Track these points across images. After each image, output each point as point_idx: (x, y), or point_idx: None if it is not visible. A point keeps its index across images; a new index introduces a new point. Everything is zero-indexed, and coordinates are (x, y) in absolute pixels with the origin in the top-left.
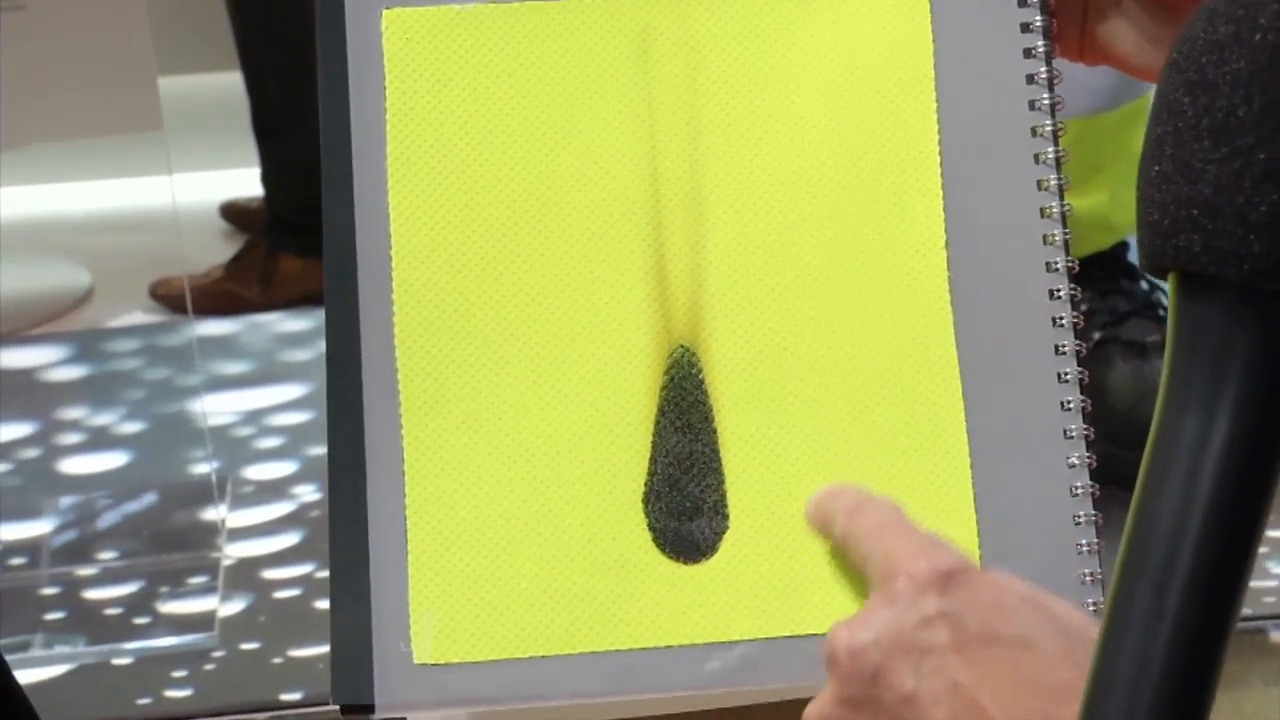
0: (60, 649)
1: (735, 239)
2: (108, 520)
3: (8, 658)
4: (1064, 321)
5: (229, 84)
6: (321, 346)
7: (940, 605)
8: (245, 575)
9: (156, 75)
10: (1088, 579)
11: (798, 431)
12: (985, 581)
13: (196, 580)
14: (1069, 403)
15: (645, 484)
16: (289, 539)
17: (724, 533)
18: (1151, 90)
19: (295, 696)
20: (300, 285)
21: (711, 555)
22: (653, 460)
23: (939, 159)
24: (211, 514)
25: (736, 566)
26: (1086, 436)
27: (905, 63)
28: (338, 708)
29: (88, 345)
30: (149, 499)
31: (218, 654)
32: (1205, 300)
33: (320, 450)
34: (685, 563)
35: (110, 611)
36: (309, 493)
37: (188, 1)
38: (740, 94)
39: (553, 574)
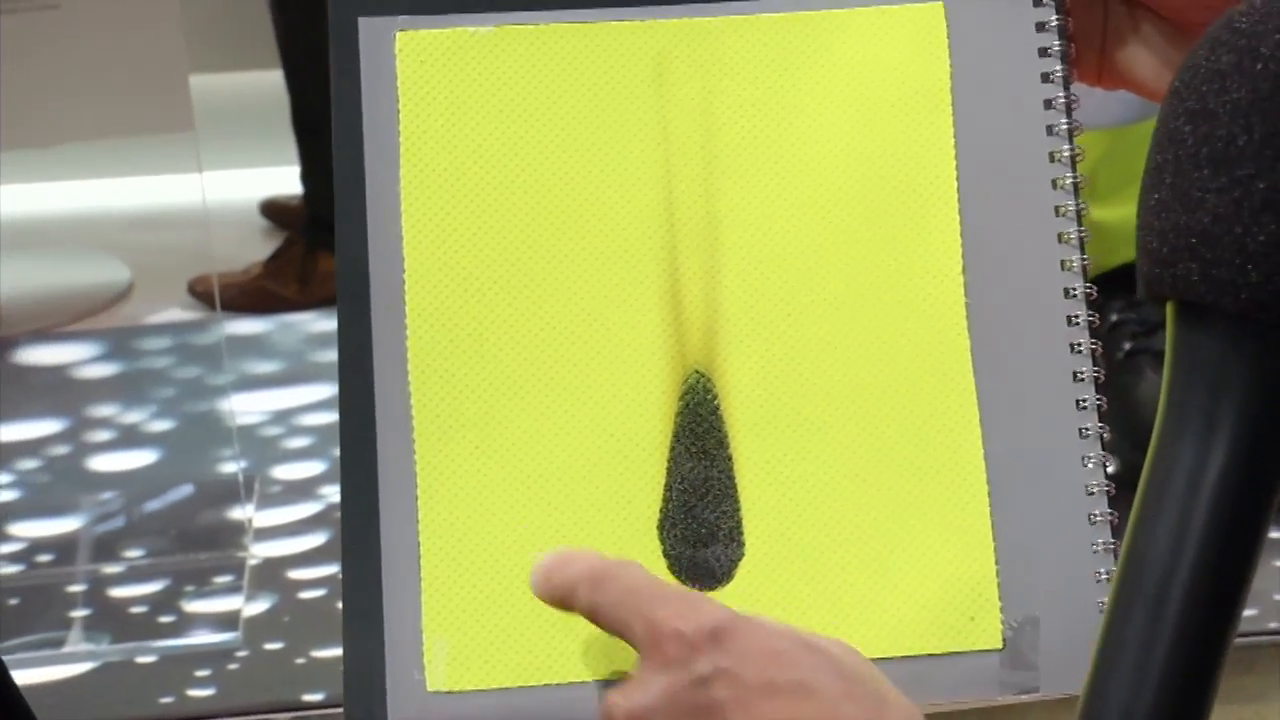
0: (85, 647)
1: (751, 264)
2: (135, 518)
3: (32, 654)
4: (1082, 347)
5: (264, 82)
6: None
7: (715, 662)
8: (270, 575)
9: (189, 74)
10: (1105, 606)
11: (813, 457)
12: (754, 631)
13: (222, 579)
14: (1087, 429)
15: (660, 510)
16: (315, 539)
17: (739, 559)
18: None
19: (318, 697)
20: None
21: (727, 582)
22: (667, 486)
23: (956, 184)
24: (238, 513)
25: (752, 593)
26: (1104, 464)
27: (922, 87)
28: None
29: (120, 342)
30: (176, 498)
31: (241, 654)
32: (1203, 329)
33: None
34: (700, 589)
35: (135, 610)
36: (336, 493)
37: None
38: (756, 118)
39: None
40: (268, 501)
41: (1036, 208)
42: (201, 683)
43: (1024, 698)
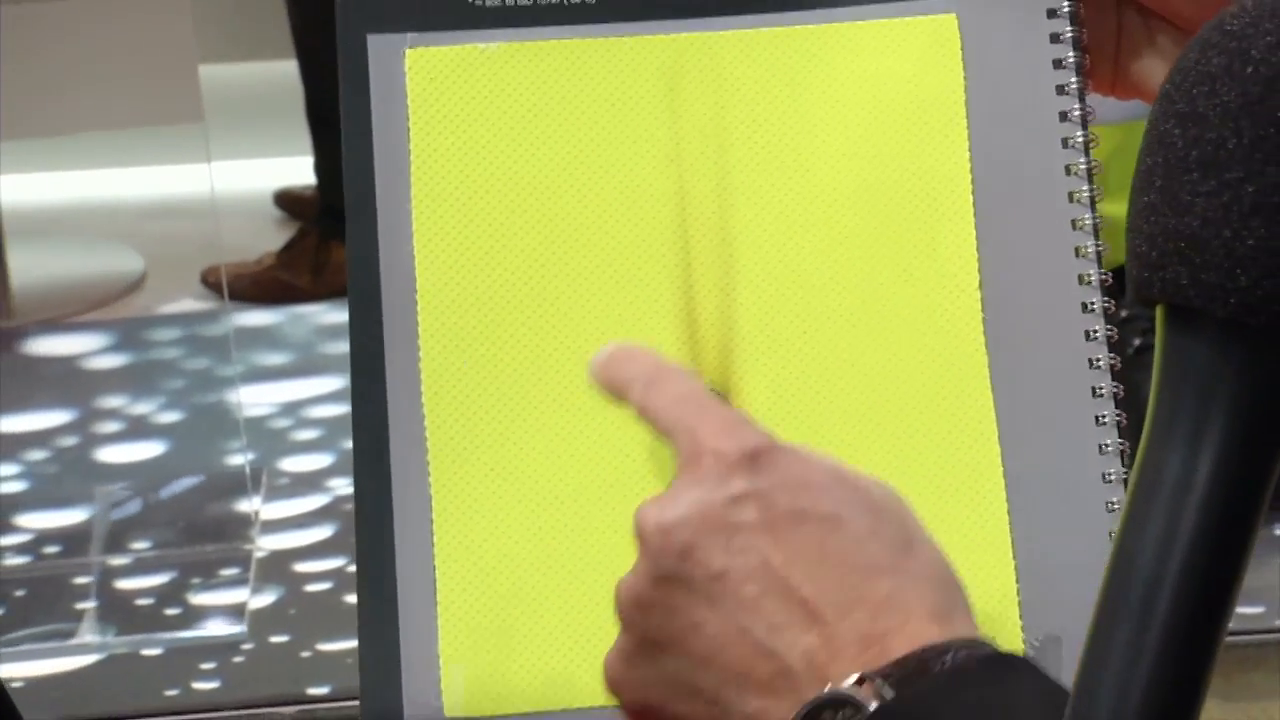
0: (91, 638)
1: (765, 280)
2: (142, 510)
3: (39, 646)
4: (1100, 363)
5: (274, 72)
6: None
7: (748, 484)
8: (277, 568)
9: (198, 64)
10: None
11: None
12: (793, 459)
13: (228, 572)
14: (1106, 446)
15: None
16: (322, 532)
17: None
18: None
19: (323, 691)
20: None
21: None
22: None
23: (971, 198)
24: (245, 506)
25: None
26: (1124, 480)
27: (936, 100)
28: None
29: (129, 333)
30: (184, 489)
31: (247, 646)
32: (1192, 334)
33: None
34: None
35: (142, 602)
36: (343, 486)
37: None
38: (768, 132)
39: (585, 624)
40: (275, 494)
41: (1053, 221)
42: (207, 675)
43: None
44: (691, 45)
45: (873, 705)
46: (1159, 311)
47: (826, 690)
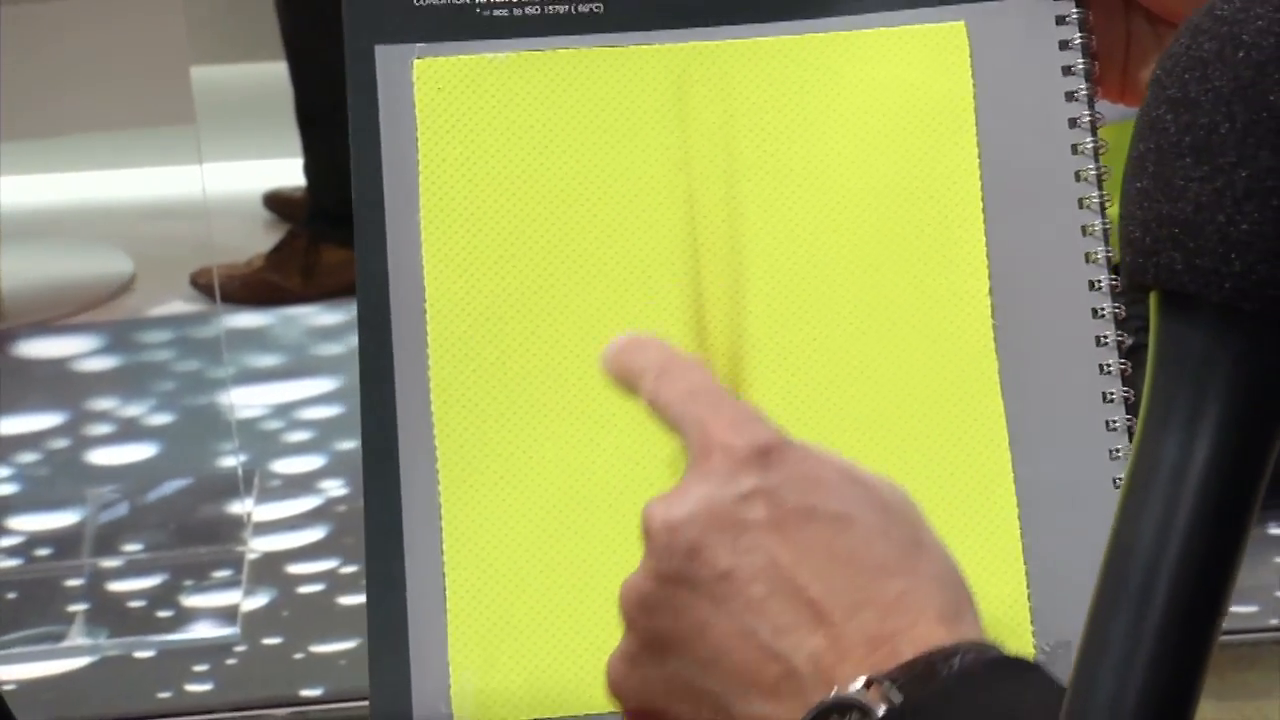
0: (83, 641)
1: (775, 288)
2: (134, 512)
3: (31, 649)
4: (1111, 368)
5: (265, 73)
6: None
7: (757, 481)
8: (270, 570)
9: (190, 66)
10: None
11: None
12: (802, 456)
13: (221, 574)
14: (1117, 451)
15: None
16: (314, 534)
17: None
18: None
19: (317, 692)
20: (341, 276)
21: None
22: None
23: (981, 205)
24: (238, 507)
25: None
26: None
27: (945, 107)
28: (358, 704)
29: (120, 335)
30: (176, 491)
31: (240, 648)
32: (1186, 319)
33: (348, 444)
34: None
35: (134, 604)
36: (336, 487)
37: None
38: (778, 140)
39: (595, 632)
40: (267, 495)
41: (1063, 227)
42: (200, 677)
43: None
44: (700, 54)
45: (881, 709)
46: (1152, 298)
47: (833, 694)
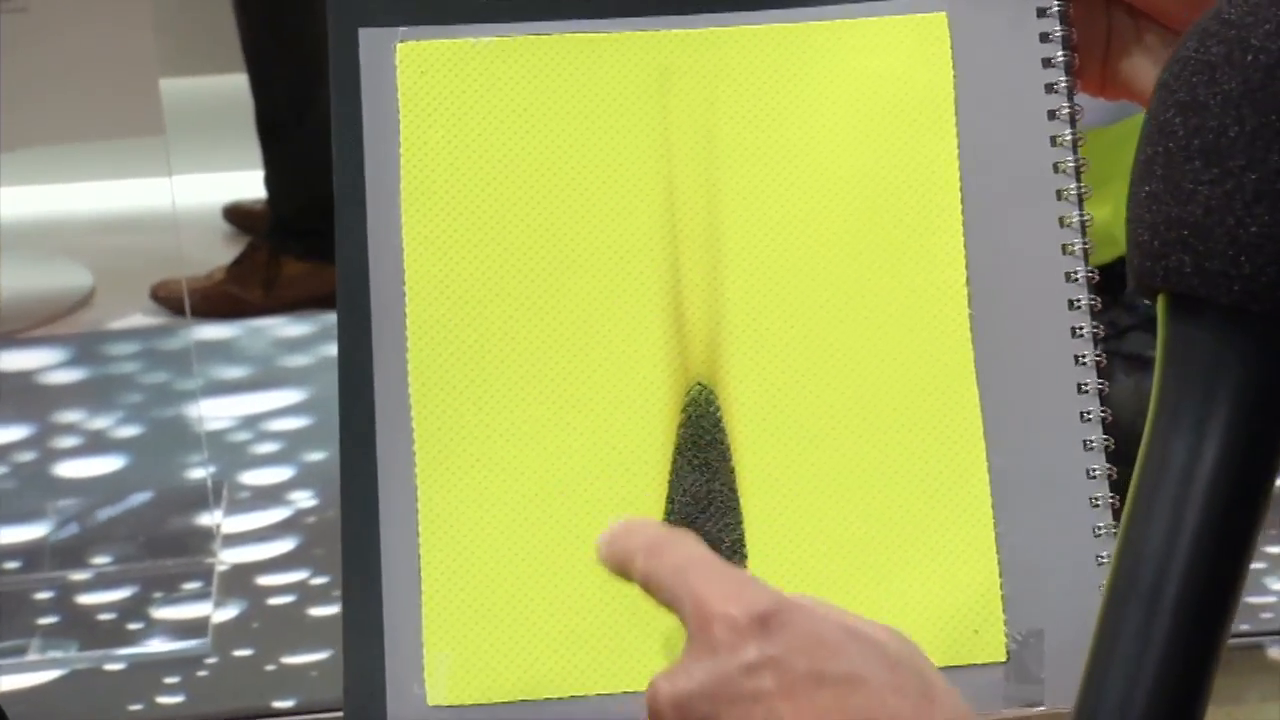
0: (53, 654)
1: (753, 275)
2: (103, 524)
3: (1, 662)
4: (1086, 359)
5: (233, 86)
6: (320, 351)
7: (762, 650)
8: (239, 581)
9: (159, 77)
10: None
11: (817, 470)
12: (804, 618)
13: (191, 586)
14: (1091, 442)
15: (662, 523)
16: (284, 545)
17: None
18: None
19: (288, 704)
20: (302, 288)
21: None
22: (670, 499)
23: (960, 195)
24: (207, 519)
25: None
26: (1110, 476)
27: (926, 98)
28: (330, 714)
29: (86, 348)
30: (144, 504)
31: (211, 660)
32: (1195, 322)
33: (317, 456)
34: None
35: (104, 617)
36: (305, 499)
37: (192, 3)
38: (758, 128)
39: (569, 614)
40: (236, 507)
41: (1041, 219)
42: (171, 689)
43: (1029, 711)
44: (682, 41)
45: None
46: (1160, 301)
47: None
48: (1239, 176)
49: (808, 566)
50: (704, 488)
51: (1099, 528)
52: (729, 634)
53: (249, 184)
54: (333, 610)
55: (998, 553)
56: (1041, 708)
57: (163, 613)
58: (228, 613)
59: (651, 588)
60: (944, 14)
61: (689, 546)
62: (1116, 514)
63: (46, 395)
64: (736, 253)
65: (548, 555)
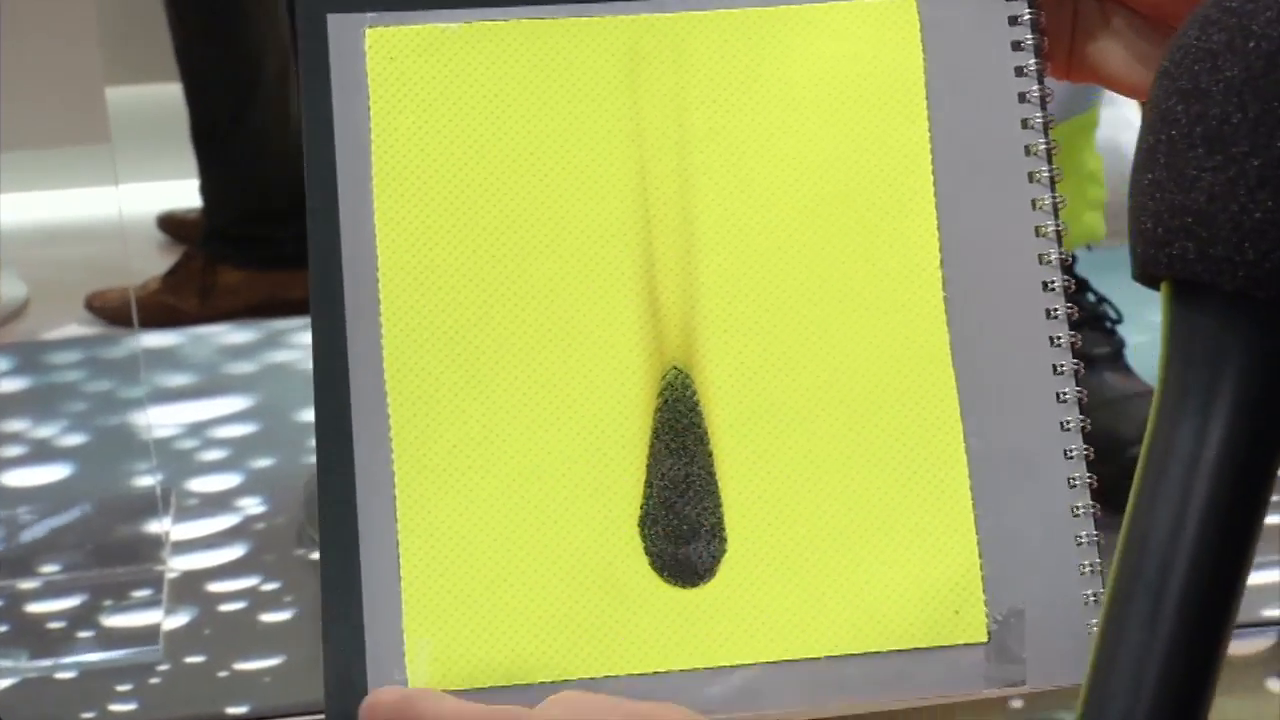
0: (3, 663)
1: (727, 259)
2: (50, 533)
3: None
4: (1062, 341)
5: (177, 94)
6: (265, 357)
7: None
8: (189, 588)
9: (104, 86)
10: (1091, 600)
11: (794, 453)
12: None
13: (140, 593)
14: (1068, 422)
15: (641, 508)
16: (233, 552)
17: (722, 556)
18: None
19: (241, 710)
20: (239, 298)
21: (710, 579)
22: (648, 484)
23: (932, 177)
24: (155, 526)
25: (736, 590)
26: (1087, 456)
27: (896, 81)
28: None
29: (27, 357)
30: (92, 511)
31: (163, 667)
32: (1200, 308)
33: (264, 462)
34: (684, 587)
35: (53, 625)
36: (254, 505)
37: (136, 11)
38: (730, 114)
39: (549, 600)
40: (184, 514)
41: (1013, 201)
42: (123, 697)
43: (1010, 691)
44: (652, 26)
45: None
46: (1164, 288)
47: None
48: (1242, 163)
49: (787, 549)
50: (682, 472)
51: (1077, 508)
52: None
53: (179, 193)
54: (284, 616)
55: (977, 534)
56: (1023, 687)
57: (113, 620)
58: (179, 619)
59: None
60: None
61: (439, 708)
62: (1094, 494)
63: None
64: (710, 238)
65: (527, 541)
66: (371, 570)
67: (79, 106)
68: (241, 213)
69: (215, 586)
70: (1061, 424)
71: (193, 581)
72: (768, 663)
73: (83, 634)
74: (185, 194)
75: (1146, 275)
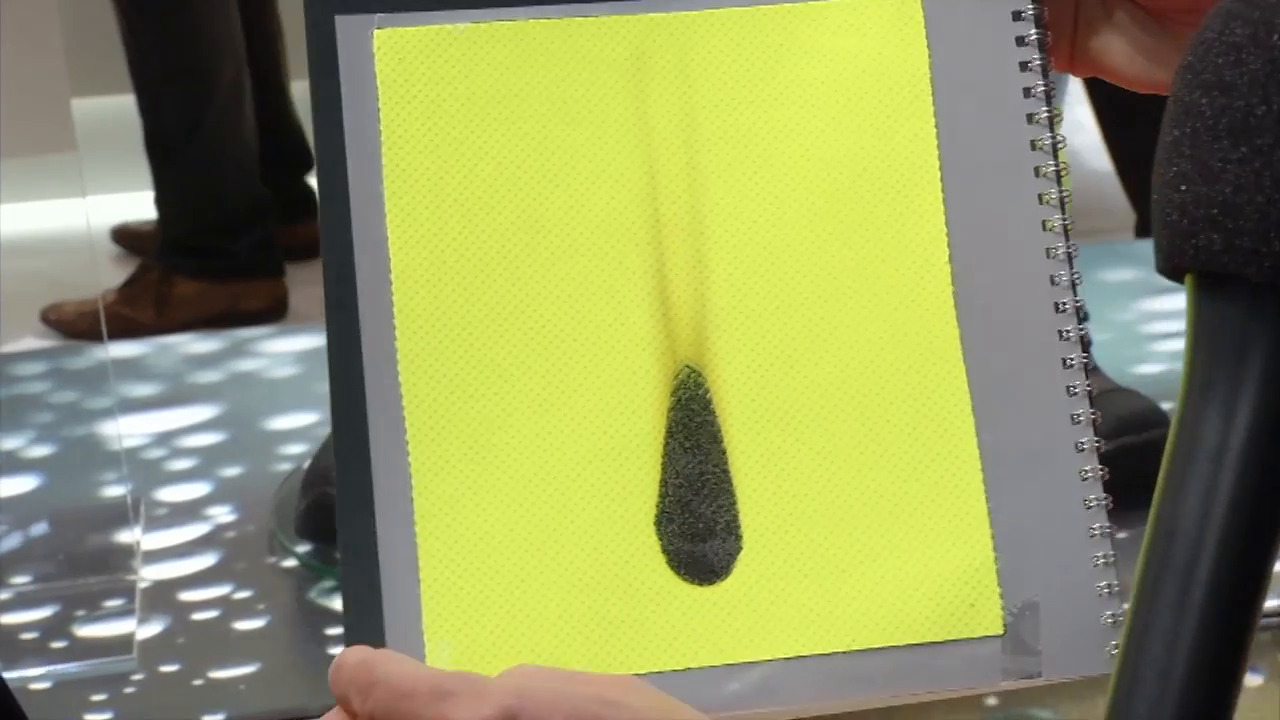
0: None
1: (737, 257)
2: (20, 544)
3: None
4: (1070, 334)
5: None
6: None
7: None
8: (162, 597)
9: (70, 97)
10: (1105, 592)
11: (808, 449)
12: (549, 699)
13: (113, 603)
14: (1079, 415)
15: (657, 506)
16: (205, 560)
17: (738, 553)
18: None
19: (218, 718)
20: (196, 309)
21: (726, 576)
22: (663, 482)
23: (939, 174)
24: (126, 536)
25: (752, 587)
26: (1097, 448)
27: (902, 78)
28: None
29: None
30: (62, 522)
31: (137, 677)
32: (1226, 299)
33: (233, 471)
34: (700, 585)
35: (26, 636)
36: (224, 514)
37: (101, 22)
38: (736, 112)
39: (567, 600)
40: (154, 524)
41: (1019, 196)
42: (98, 707)
43: (1026, 683)
44: (659, 26)
45: None
46: (1189, 280)
47: None
48: (1268, 154)
49: (802, 546)
50: (696, 470)
51: (1089, 500)
52: None
53: (132, 205)
54: (258, 623)
55: (990, 527)
56: (1039, 679)
57: (86, 630)
58: (152, 629)
59: None
60: None
61: (400, 672)
62: (1106, 487)
63: None
64: (720, 236)
65: (544, 541)
66: (391, 574)
67: (45, 118)
68: (197, 224)
69: (187, 595)
70: (1072, 417)
71: (165, 590)
72: (785, 659)
73: (56, 644)
74: (141, 206)
75: (1172, 267)
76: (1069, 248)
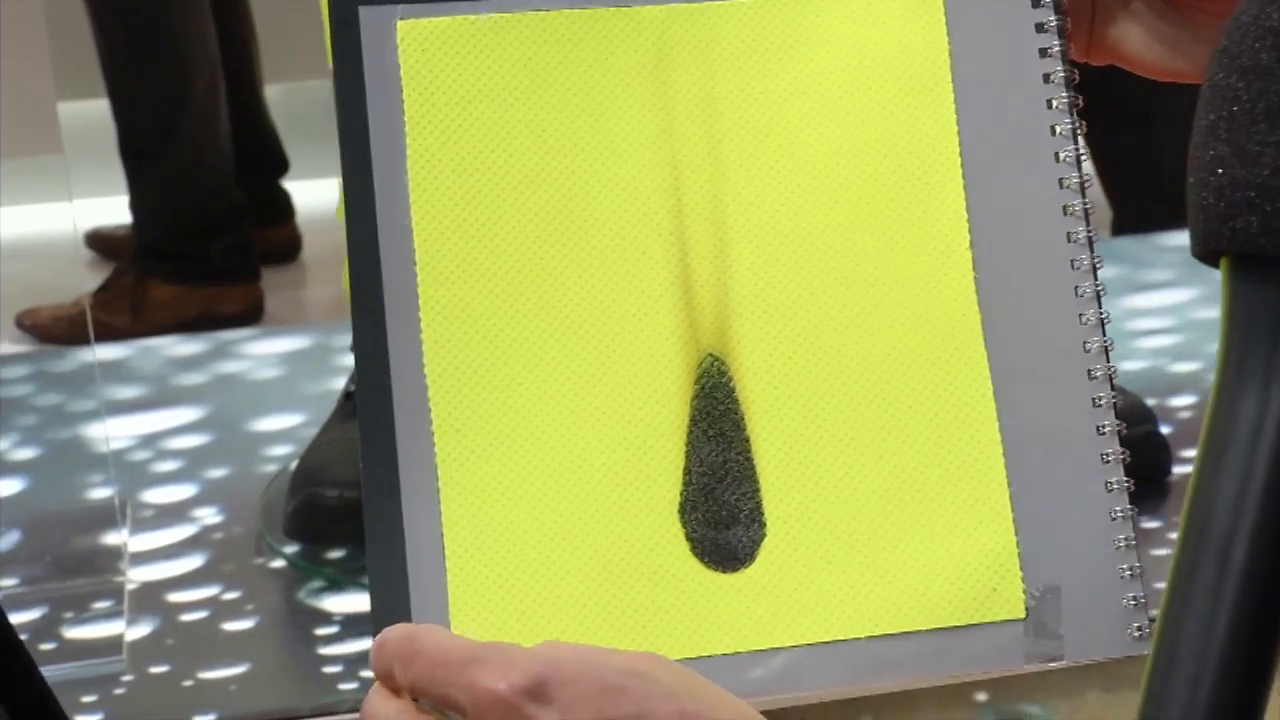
0: None
1: (759, 245)
2: (7, 547)
3: None
4: (1090, 318)
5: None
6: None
7: (543, 716)
8: (150, 599)
9: (56, 100)
10: (1126, 574)
11: (831, 436)
12: (573, 671)
13: (101, 605)
14: (1100, 399)
15: (681, 494)
16: (192, 562)
17: (762, 540)
18: None
19: (208, 719)
20: (171, 313)
21: (750, 563)
22: (687, 470)
23: (960, 161)
24: (114, 538)
25: (776, 574)
26: (1119, 432)
27: (922, 66)
28: None
29: None
30: (48, 525)
31: (127, 678)
32: (1262, 281)
33: (218, 472)
34: (724, 572)
35: None
36: (210, 515)
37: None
38: (758, 101)
39: (591, 588)
40: (141, 526)
41: (1040, 181)
42: (88, 708)
43: (1048, 666)
44: (680, 16)
45: None
46: (1225, 262)
47: None
48: None
49: (825, 532)
50: (720, 458)
51: (1111, 483)
52: (505, 712)
53: (107, 209)
54: (247, 624)
55: (1012, 511)
56: (1061, 662)
57: (75, 632)
58: (141, 630)
59: (420, 694)
60: None
61: (437, 642)
62: (1127, 470)
63: None
64: (742, 224)
65: (569, 530)
66: (417, 563)
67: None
68: (173, 228)
69: (176, 596)
70: (1093, 400)
71: (153, 592)
72: (809, 644)
73: (45, 646)
74: (116, 211)
75: (1207, 250)
76: (1089, 232)
